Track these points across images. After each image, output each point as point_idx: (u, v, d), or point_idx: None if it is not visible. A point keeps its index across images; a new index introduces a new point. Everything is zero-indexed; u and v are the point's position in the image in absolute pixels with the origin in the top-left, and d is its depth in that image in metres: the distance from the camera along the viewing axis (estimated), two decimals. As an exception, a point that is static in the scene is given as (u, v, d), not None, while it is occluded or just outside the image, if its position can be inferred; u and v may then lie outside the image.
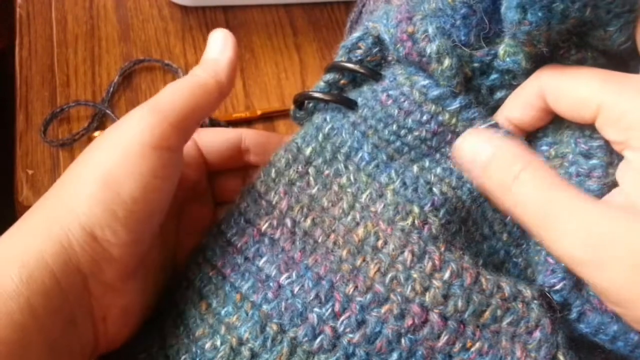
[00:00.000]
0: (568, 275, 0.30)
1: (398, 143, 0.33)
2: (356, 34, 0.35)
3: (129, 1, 0.66)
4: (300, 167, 0.34)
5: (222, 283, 0.32)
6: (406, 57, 0.33)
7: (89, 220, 0.28)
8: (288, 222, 0.33)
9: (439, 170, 0.33)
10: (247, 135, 0.38)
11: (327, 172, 0.34)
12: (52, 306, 0.27)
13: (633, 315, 0.26)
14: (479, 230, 0.34)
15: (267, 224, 0.33)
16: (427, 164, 0.33)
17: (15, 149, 0.57)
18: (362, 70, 0.35)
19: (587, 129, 0.31)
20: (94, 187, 0.28)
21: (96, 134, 0.57)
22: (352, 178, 0.33)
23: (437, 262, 0.30)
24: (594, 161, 0.30)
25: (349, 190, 0.33)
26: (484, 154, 0.30)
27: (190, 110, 0.31)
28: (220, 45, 0.34)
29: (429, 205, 0.32)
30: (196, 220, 0.37)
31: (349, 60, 0.35)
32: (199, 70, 0.33)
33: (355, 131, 0.34)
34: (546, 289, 0.31)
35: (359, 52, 0.35)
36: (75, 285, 0.28)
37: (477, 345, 0.29)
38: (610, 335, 0.30)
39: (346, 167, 0.34)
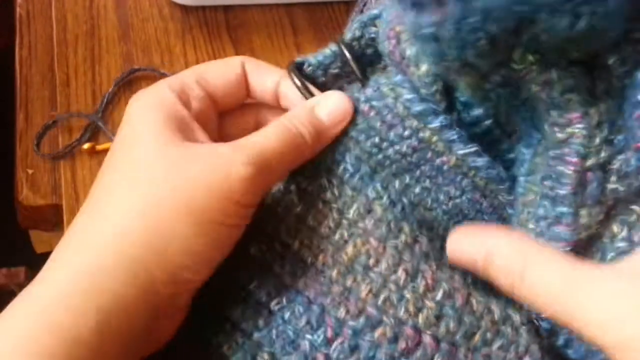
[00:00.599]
0: None
1: (380, 156, 0.32)
2: (374, 11, 0.33)
3: (129, 1, 0.66)
4: (282, 186, 0.33)
5: (214, 315, 0.31)
6: (390, 56, 0.32)
7: (180, 269, 0.28)
8: (277, 245, 0.32)
9: (417, 189, 0.33)
10: (249, 68, 0.35)
11: (310, 188, 0.32)
12: (123, 344, 0.27)
13: None
14: None
15: (255, 249, 0.32)
16: (407, 180, 0.33)
17: (15, 149, 0.57)
18: (354, 67, 0.34)
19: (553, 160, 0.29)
20: (189, 231, 0.28)
21: (86, 146, 0.56)
22: (336, 192, 0.32)
23: (430, 282, 0.30)
24: (561, 209, 0.29)
25: (334, 205, 0.32)
26: (480, 258, 0.28)
27: (283, 164, 0.31)
28: (339, 113, 0.32)
29: (415, 224, 0.32)
30: None
31: (362, 37, 0.34)
32: (305, 120, 0.31)
33: (337, 143, 0.33)
34: (534, 316, 0.30)
35: (373, 30, 0.33)
36: (150, 322, 0.28)
37: None
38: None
39: (329, 182, 0.32)
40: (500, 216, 0.34)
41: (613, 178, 0.28)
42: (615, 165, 0.28)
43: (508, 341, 0.29)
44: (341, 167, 0.32)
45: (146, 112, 0.30)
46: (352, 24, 0.34)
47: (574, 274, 0.26)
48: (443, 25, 0.25)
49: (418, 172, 0.33)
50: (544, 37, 0.26)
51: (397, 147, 0.32)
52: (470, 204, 0.33)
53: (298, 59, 0.35)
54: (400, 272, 0.30)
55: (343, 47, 0.34)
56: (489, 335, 0.29)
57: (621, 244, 0.28)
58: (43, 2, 0.65)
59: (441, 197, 0.33)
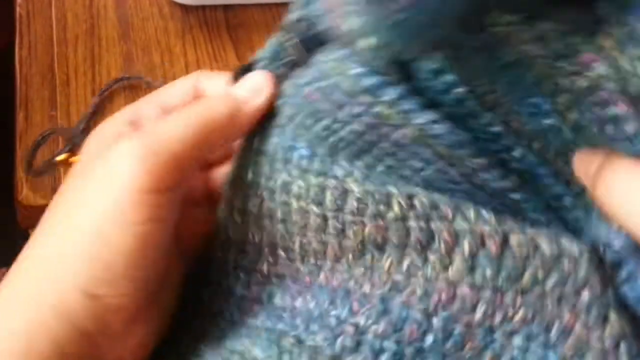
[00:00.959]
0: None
1: (333, 139, 0.30)
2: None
3: (129, 0, 0.66)
4: (256, 200, 0.31)
5: (237, 327, 0.30)
6: (331, 30, 0.28)
7: (85, 281, 0.26)
8: (281, 253, 0.30)
9: (381, 167, 0.30)
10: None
11: (277, 189, 0.30)
12: None
13: None
14: None
15: (265, 264, 0.30)
16: (370, 161, 0.30)
17: (15, 149, 0.57)
18: (299, 48, 0.31)
19: None
20: (85, 243, 0.26)
21: (61, 157, 0.55)
22: (302, 184, 0.30)
23: (449, 240, 0.27)
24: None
25: (308, 199, 0.30)
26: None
27: (196, 149, 0.28)
28: (256, 86, 0.31)
29: (402, 183, 0.29)
30: (195, 222, 0.35)
31: (303, 19, 0.31)
32: (216, 101, 0.30)
33: (285, 132, 0.31)
34: (601, 246, 0.27)
35: (318, 7, 0.30)
36: (82, 347, 0.27)
37: (520, 313, 0.26)
38: None
39: (289, 174, 0.30)
40: (474, 184, 0.31)
41: None
42: None
43: (564, 275, 0.26)
44: (296, 155, 0.30)
45: (96, 138, 0.31)
46: (294, 3, 0.32)
47: None
48: (410, 9, 0.24)
49: (376, 151, 0.30)
50: None
51: (350, 127, 0.29)
52: (438, 174, 0.31)
53: (250, 60, 0.33)
54: (414, 240, 0.27)
55: (286, 30, 0.31)
56: (540, 273, 0.26)
57: None
58: (43, 1, 0.65)
59: (407, 172, 0.30)
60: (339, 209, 0.29)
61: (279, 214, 0.30)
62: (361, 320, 0.27)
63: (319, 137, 0.30)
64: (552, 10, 0.25)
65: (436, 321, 0.26)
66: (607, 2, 0.25)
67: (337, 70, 0.29)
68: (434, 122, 0.29)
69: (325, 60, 0.30)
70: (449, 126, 0.29)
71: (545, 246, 0.27)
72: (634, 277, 0.27)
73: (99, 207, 0.27)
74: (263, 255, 0.31)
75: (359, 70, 0.28)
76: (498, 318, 0.26)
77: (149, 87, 0.60)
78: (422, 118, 0.28)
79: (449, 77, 0.29)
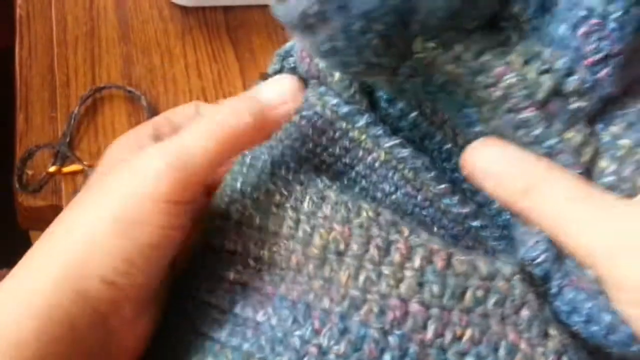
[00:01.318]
0: (550, 247, 0.30)
1: (316, 160, 0.34)
2: (289, 43, 0.36)
3: (129, 2, 0.66)
4: (239, 206, 0.33)
5: (201, 341, 0.31)
6: (308, 74, 0.34)
7: (107, 271, 0.28)
8: (251, 262, 0.32)
9: (356, 189, 0.34)
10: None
11: (260, 197, 0.33)
12: (68, 353, 0.27)
13: None
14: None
15: (233, 273, 0.32)
16: (345, 182, 0.34)
17: (15, 149, 0.57)
18: None
19: None
20: (110, 236, 0.28)
21: (52, 168, 0.55)
22: (284, 192, 0.32)
23: (404, 251, 0.30)
24: (548, 142, 0.29)
25: (287, 205, 0.32)
26: (497, 162, 0.30)
27: (219, 162, 0.30)
28: (284, 91, 0.33)
29: (372, 202, 0.32)
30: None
31: (282, 69, 0.36)
32: (242, 109, 0.31)
33: (274, 150, 0.34)
34: (527, 262, 0.31)
35: (291, 59, 0.36)
36: (95, 326, 0.28)
37: (468, 333, 0.28)
38: (584, 315, 0.29)
39: (274, 183, 0.33)
40: (438, 208, 0.34)
41: (574, 98, 0.28)
42: (572, 86, 0.28)
43: (502, 295, 0.29)
44: (283, 169, 0.33)
45: (118, 149, 0.33)
46: (273, 57, 0.36)
47: (589, 186, 0.27)
48: (335, 38, 0.28)
49: (353, 174, 0.34)
50: (432, 21, 0.27)
51: (330, 150, 0.34)
52: (406, 199, 0.34)
53: None
54: (372, 249, 0.30)
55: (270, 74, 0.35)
56: (479, 293, 0.29)
57: (610, 178, 0.28)
58: (43, 2, 0.65)
59: (378, 195, 0.34)
60: (313, 214, 0.32)
61: (257, 221, 0.32)
62: (324, 341, 0.28)
63: (303, 158, 0.34)
64: (464, 35, 0.29)
65: (392, 340, 0.28)
66: (512, 25, 0.29)
67: (320, 102, 0.33)
68: (400, 145, 0.33)
69: (310, 95, 0.34)
70: (411, 150, 0.33)
71: (482, 266, 0.30)
72: (563, 289, 0.30)
73: (124, 207, 0.29)
74: (233, 263, 0.32)
75: (336, 100, 0.33)
76: (448, 337, 0.28)
77: (131, 96, 0.60)
78: (390, 142, 0.33)
79: (401, 104, 0.34)
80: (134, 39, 0.63)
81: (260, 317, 0.30)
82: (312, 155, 0.34)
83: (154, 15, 0.65)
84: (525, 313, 0.29)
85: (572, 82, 0.28)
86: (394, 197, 0.34)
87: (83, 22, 0.64)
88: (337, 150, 0.34)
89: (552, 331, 0.29)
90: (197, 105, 0.36)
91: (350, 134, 0.33)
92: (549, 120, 0.29)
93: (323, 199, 0.32)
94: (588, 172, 0.29)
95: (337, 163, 0.34)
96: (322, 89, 0.34)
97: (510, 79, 0.28)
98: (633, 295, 0.25)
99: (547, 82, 0.28)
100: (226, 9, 0.66)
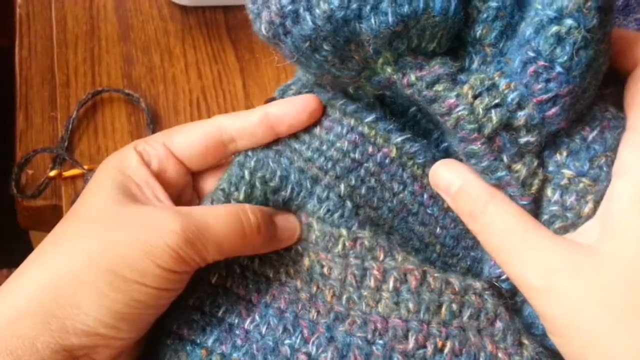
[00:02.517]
0: None
1: (321, 159, 0.34)
2: (289, 82, 0.38)
3: (129, 1, 0.66)
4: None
5: (181, 345, 0.31)
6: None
7: (94, 323, 0.28)
8: (237, 268, 0.33)
9: (363, 190, 0.34)
10: (226, 123, 0.35)
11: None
12: None
13: (569, 348, 0.27)
14: (410, 243, 0.35)
15: (216, 277, 0.32)
16: (352, 181, 0.34)
17: (15, 149, 0.57)
18: None
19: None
20: (103, 288, 0.28)
21: (52, 173, 0.54)
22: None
23: (379, 277, 0.31)
24: (498, 174, 0.31)
25: None
26: (454, 185, 0.32)
27: (225, 254, 0.31)
28: (291, 226, 0.34)
29: (356, 225, 0.33)
30: None
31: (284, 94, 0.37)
32: (256, 216, 0.31)
33: (282, 158, 0.34)
34: (493, 279, 0.32)
35: (291, 92, 0.37)
36: None
37: (449, 344, 0.29)
38: (541, 330, 0.30)
39: (274, 203, 0.34)
40: (441, 207, 0.35)
41: (522, 132, 0.30)
42: (521, 121, 0.29)
43: (476, 309, 0.30)
44: (288, 189, 0.34)
45: (106, 173, 0.32)
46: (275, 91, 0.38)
47: (527, 221, 0.29)
48: (293, 54, 0.30)
49: (362, 171, 0.34)
50: (377, 42, 0.28)
51: (337, 145, 0.34)
52: (412, 198, 0.35)
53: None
54: (349, 277, 0.32)
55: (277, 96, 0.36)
56: (454, 306, 0.30)
57: (554, 207, 0.30)
58: (43, 2, 0.65)
59: (386, 194, 0.35)
60: (305, 238, 0.33)
61: None
62: (312, 349, 0.30)
63: (308, 160, 0.34)
64: (423, 60, 0.30)
65: (376, 349, 0.29)
66: (476, 49, 0.30)
67: (327, 104, 0.35)
68: (411, 139, 0.34)
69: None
70: (422, 144, 0.35)
71: (455, 282, 0.31)
72: (523, 306, 0.32)
73: (125, 262, 0.28)
74: (216, 267, 0.32)
75: (343, 100, 0.34)
76: (430, 349, 0.29)
77: (129, 99, 0.60)
78: (401, 137, 0.34)
79: (401, 100, 0.34)
80: (134, 38, 0.63)
81: (248, 324, 0.31)
82: (319, 154, 0.34)
83: (153, 15, 0.65)
84: (499, 325, 0.30)
85: (520, 117, 0.29)
86: (401, 195, 0.35)
87: (83, 22, 0.64)
88: (346, 145, 0.34)
89: (525, 340, 0.30)
90: (220, 124, 0.35)
91: (360, 128, 0.34)
92: (496, 153, 0.30)
93: (310, 226, 0.33)
94: (536, 201, 0.30)
95: (345, 159, 0.34)
96: (329, 94, 0.35)
97: (460, 111, 0.30)
98: (549, 326, 0.28)
99: (494, 117, 0.29)
100: (226, 8, 0.66)
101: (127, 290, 0.28)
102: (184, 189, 0.35)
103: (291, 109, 0.34)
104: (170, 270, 0.28)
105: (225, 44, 0.64)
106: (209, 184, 0.36)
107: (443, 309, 0.30)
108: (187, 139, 0.34)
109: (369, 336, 0.29)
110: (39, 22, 0.64)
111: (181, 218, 0.29)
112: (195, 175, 0.36)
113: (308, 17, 0.28)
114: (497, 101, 0.29)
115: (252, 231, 0.31)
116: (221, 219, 0.30)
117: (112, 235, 0.29)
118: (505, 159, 0.30)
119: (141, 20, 0.65)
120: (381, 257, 0.32)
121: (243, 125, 0.34)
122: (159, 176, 0.33)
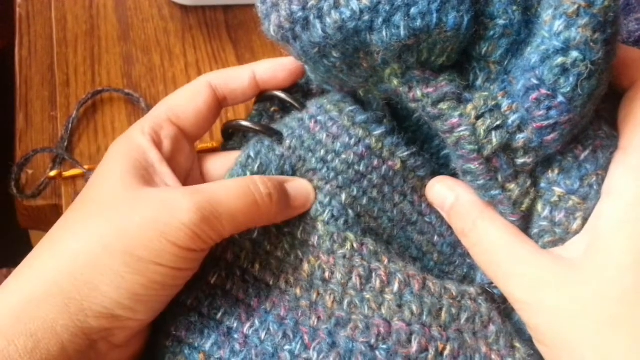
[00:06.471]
0: None
1: (324, 170, 0.34)
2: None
3: (129, 1, 0.66)
4: None
5: (179, 348, 0.31)
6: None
7: (111, 305, 0.28)
8: (237, 271, 0.32)
9: (364, 201, 0.34)
10: (218, 84, 0.36)
11: None
12: None
13: (553, 357, 0.29)
14: (408, 252, 0.35)
15: (215, 277, 0.32)
16: (354, 192, 0.34)
17: (15, 149, 0.57)
18: (291, 100, 0.37)
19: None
20: (120, 270, 0.28)
21: (52, 173, 0.54)
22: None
23: (384, 278, 0.32)
24: (491, 192, 0.31)
25: (285, 230, 0.34)
26: (448, 202, 0.33)
27: (240, 228, 0.31)
28: (304, 194, 0.34)
29: (359, 233, 0.33)
30: None
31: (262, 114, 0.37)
32: (266, 186, 0.32)
33: (285, 165, 0.34)
34: (486, 285, 0.33)
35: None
36: (83, 349, 0.28)
37: (449, 347, 0.30)
38: (528, 337, 0.31)
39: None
40: (438, 215, 0.36)
41: (520, 154, 0.30)
42: (519, 143, 0.30)
43: (472, 313, 0.31)
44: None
45: (115, 158, 0.32)
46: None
47: (514, 236, 0.31)
48: (302, 57, 0.30)
49: (365, 183, 0.35)
50: (387, 53, 0.28)
51: (343, 157, 0.34)
52: (411, 207, 0.36)
53: (225, 124, 0.38)
54: (355, 278, 0.32)
55: (274, 93, 0.37)
56: (453, 310, 0.31)
57: (544, 223, 0.31)
58: (43, 2, 0.65)
59: (387, 205, 0.35)
60: (305, 242, 0.33)
61: (254, 234, 0.33)
62: (313, 355, 0.30)
63: (311, 170, 0.34)
64: (430, 75, 0.30)
65: (379, 354, 0.29)
66: (481, 66, 0.31)
67: (336, 108, 0.35)
68: (415, 154, 0.35)
69: (325, 101, 0.35)
70: (424, 158, 0.36)
71: (452, 287, 0.32)
72: (512, 313, 0.32)
73: (141, 243, 0.28)
74: (217, 268, 0.33)
75: (353, 107, 0.35)
76: (431, 352, 0.30)
77: (130, 99, 0.60)
78: (407, 151, 0.35)
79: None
80: (134, 38, 0.63)
81: (247, 328, 0.31)
82: (323, 164, 0.34)
83: (153, 14, 0.65)
84: (492, 328, 0.31)
85: (519, 140, 0.30)
86: (401, 206, 0.36)
87: (83, 21, 0.64)
88: (351, 156, 0.34)
89: (517, 343, 0.31)
90: (209, 82, 0.36)
91: (367, 141, 0.34)
92: (493, 173, 0.30)
93: (313, 228, 0.34)
94: (526, 217, 0.31)
95: (349, 171, 0.34)
96: (339, 96, 0.35)
97: (462, 131, 0.30)
98: (535, 335, 0.29)
99: (495, 139, 0.30)
100: (226, 8, 0.66)
101: (144, 271, 0.28)
102: (192, 170, 0.36)
103: (277, 68, 0.36)
104: (186, 249, 0.28)
105: (225, 43, 0.64)
106: (214, 165, 0.37)
107: (443, 313, 0.31)
108: (192, 110, 0.35)
109: (372, 341, 0.29)
110: (39, 21, 0.63)
111: (193, 195, 0.29)
112: (200, 158, 0.37)
113: (318, 25, 0.28)
114: (498, 123, 0.30)
115: (264, 201, 0.31)
116: (232, 192, 0.30)
117: (125, 218, 0.29)
118: (500, 178, 0.30)
119: (141, 19, 0.65)
120: (385, 262, 0.32)
121: (235, 87, 0.36)
122: (171, 158, 0.33)
